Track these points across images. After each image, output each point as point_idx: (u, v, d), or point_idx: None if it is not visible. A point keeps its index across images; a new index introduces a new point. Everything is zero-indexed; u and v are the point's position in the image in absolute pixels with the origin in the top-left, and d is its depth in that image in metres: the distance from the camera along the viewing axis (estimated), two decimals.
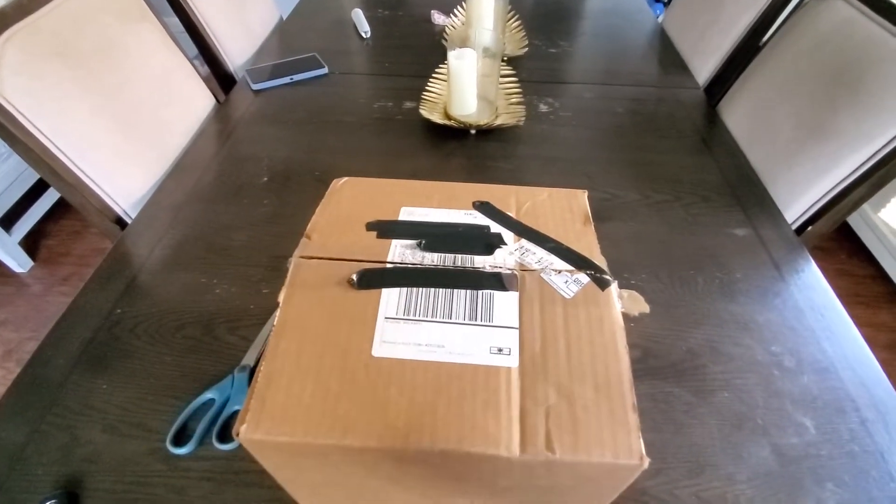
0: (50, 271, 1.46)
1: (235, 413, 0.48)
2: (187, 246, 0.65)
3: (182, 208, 0.71)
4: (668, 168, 0.79)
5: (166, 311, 0.57)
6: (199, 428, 0.46)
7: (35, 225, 1.51)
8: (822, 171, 0.71)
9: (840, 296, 0.60)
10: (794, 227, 0.74)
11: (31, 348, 1.27)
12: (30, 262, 1.48)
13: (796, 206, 0.74)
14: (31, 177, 1.49)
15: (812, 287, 0.62)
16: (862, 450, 0.47)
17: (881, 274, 1.44)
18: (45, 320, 1.33)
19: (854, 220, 1.51)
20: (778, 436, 0.48)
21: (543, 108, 0.92)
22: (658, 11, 2.24)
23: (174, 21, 0.93)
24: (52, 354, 0.53)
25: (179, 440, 0.46)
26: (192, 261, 0.63)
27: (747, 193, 0.74)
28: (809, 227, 0.74)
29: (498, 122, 0.83)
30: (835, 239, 1.55)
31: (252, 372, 0.51)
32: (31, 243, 1.52)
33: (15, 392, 0.50)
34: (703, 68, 1.04)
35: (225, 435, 0.46)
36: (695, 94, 0.97)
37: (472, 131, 0.84)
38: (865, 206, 1.45)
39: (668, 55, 1.10)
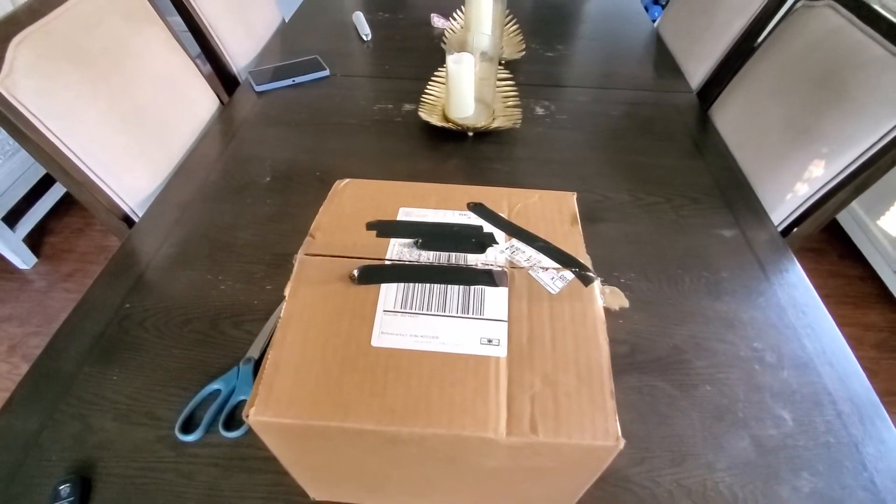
0: (53, 268, 1.49)
1: (241, 403, 0.50)
2: (193, 243, 0.67)
3: (188, 207, 0.73)
4: (660, 171, 0.81)
5: (173, 306, 0.60)
6: (206, 416, 0.48)
7: (39, 222, 1.53)
8: (807, 174, 0.74)
9: (830, 296, 0.63)
10: (780, 228, 0.77)
11: (36, 343, 1.31)
12: (34, 259, 1.50)
13: (782, 207, 0.76)
14: (35, 174, 1.51)
15: (795, 286, 0.64)
16: (837, 441, 0.50)
17: (871, 274, 1.46)
18: (49, 316, 1.35)
19: (846, 222, 1.53)
20: (757, 427, 0.51)
21: (540, 111, 0.94)
22: (656, 14, 2.27)
23: (177, 20, 0.95)
24: (64, 347, 0.56)
25: (187, 428, 0.48)
26: (197, 258, 0.65)
27: (736, 196, 0.76)
28: (795, 229, 0.76)
29: (495, 124, 0.85)
30: (826, 240, 1.57)
31: (257, 364, 0.53)
32: (34, 240, 1.54)
33: (29, 383, 0.53)
34: (697, 72, 1.06)
35: (231, 423, 0.49)
36: (688, 98, 0.99)
37: (470, 133, 0.86)
38: (857, 208, 1.47)
39: (662, 59, 1.13)
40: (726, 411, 0.52)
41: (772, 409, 0.52)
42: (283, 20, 1.32)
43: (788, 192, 0.75)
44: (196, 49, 1.01)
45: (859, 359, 0.56)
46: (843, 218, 1.54)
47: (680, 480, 0.46)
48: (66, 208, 1.64)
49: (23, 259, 1.46)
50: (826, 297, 0.63)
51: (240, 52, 1.10)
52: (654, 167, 0.82)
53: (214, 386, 0.51)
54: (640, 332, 0.58)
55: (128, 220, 0.78)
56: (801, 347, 0.58)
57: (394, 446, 0.31)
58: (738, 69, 0.94)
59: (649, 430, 0.50)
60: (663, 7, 2.37)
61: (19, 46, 0.64)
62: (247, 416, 0.29)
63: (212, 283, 0.62)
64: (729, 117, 0.91)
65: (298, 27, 1.22)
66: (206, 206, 0.73)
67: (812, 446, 0.50)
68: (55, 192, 1.56)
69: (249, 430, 0.48)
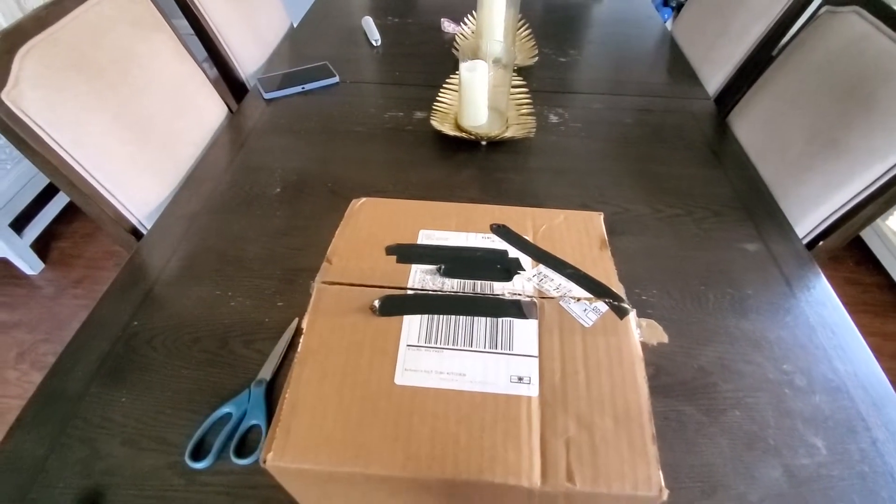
0: (62, 274, 1.48)
1: (252, 427, 0.49)
2: (201, 257, 0.66)
3: (196, 219, 0.71)
4: (679, 181, 0.79)
5: (182, 323, 0.58)
6: (217, 442, 0.47)
7: (46, 227, 1.52)
8: (833, 187, 0.71)
9: (847, 304, 0.61)
10: (804, 241, 0.74)
11: (45, 350, 1.30)
12: (41, 265, 1.49)
13: (807, 221, 0.74)
14: (43, 179, 1.50)
15: (823, 304, 0.62)
16: (872, 470, 0.48)
17: (889, 283, 1.43)
18: (57, 323, 1.35)
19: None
20: (789, 456, 0.49)
21: (553, 118, 0.92)
22: (665, 16, 2.24)
23: (183, 23, 0.93)
24: (71, 366, 0.54)
25: (197, 454, 0.47)
26: (206, 273, 0.64)
27: (758, 208, 0.74)
28: (820, 242, 0.74)
29: (509, 133, 0.83)
30: (843, 247, 1.54)
31: (269, 386, 0.52)
32: (42, 246, 1.53)
33: (35, 404, 0.51)
34: (713, 78, 1.04)
35: (242, 450, 0.47)
36: (705, 105, 0.97)
37: (483, 143, 0.84)
38: None
39: (677, 64, 1.10)
40: (757, 438, 0.49)
41: (804, 437, 0.50)
42: (292, 25, 1.30)
43: (813, 205, 0.73)
44: (202, 53, 1.00)
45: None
46: None
47: None
48: (73, 214, 1.63)
49: (30, 265, 1.46)
50: (843, 306, 0.61)
51: (248, 58, 1.08)
52: (673, 177, 0.80)
53: (225, 409, 0.49)
54: (665, 353, 0.56)
55: (135, 233, 0.77)
56: (833, 370, 0.55)
57: (418, 492, 0.29)
58: (758, 76, 0.92)
59: (677, 458, 0.48)
60: (673, 9, 2.34)
61: (25, 57, 0.62)
62: (264, 462, 0.27)
63: (221, 300, 0.61)
64: (748, 126, 0.88)
65: (307, 33, 1.21)
66: (214, 218, 0.72)
67: (847, 476, 0.47)
68: (63, 198, 1.56)
69: None
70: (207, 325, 0.58)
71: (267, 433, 0.47)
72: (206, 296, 0.61)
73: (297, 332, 0.57)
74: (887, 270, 1.43)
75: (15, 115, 0.60)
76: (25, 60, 0.62)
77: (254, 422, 0.49)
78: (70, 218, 1.62)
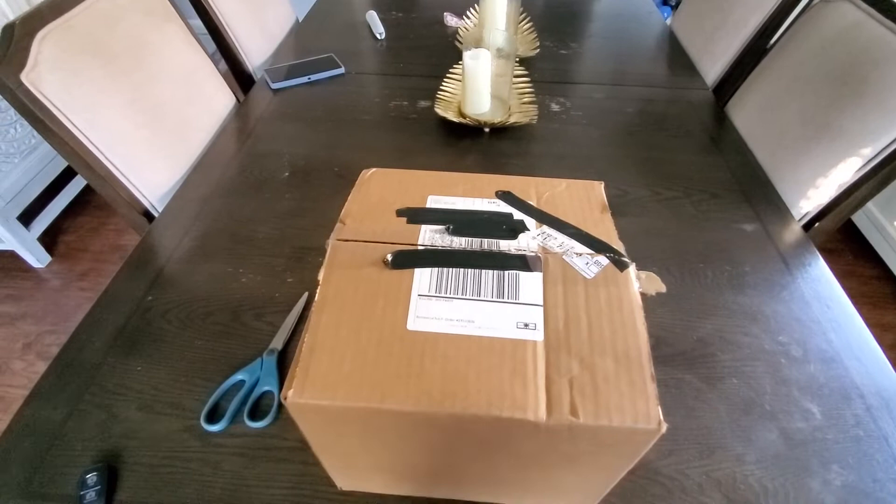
0: (68, 267, 1.50)
1: (265, 393, 0.50)
2: (213, 237, 0.68)
3: (207, 202, 0.73)
4: (678, 166, 0.80)
5: (195, 298, 0.60)
6: (231, 407, 0.48)
7: (53, 221, 1.54)
8: (828, 169, 0.73)
9: (847, 296, 0.62)
10: (800, 223, 0.76)
11: (51, 341, 1.31)
12: (48, 258, 1.51)
13: (803, 203, 0.76)
14: (50, 173, 1.52)
15: (818, 280, 0.63)
16: (867, 434, 0.49)
17: (888, 274, 1.45)
18: (63, 314, 1.36)
19: (861, 221, 1.52)
20: (785, 420, 0.50)
21: (555, 107, 0.94)
22: (665, 15, 2.26)
23: (197, 23, 0.96)
24: (88, 339, 0.56)
25: (212, 418, 0.48)
26: (218, 251, 0.66)
27: (755, 190, 0.76)
28: (816, 224, 0.76)
29: (511, 120, 0.85)
30: (841, 239, 1.56)
31: (280, 355, 0.53)
32: (49, 239, 1.55)
33: (53, 373, 0.53)
34: (712, 69, 1.06)
35: (256, 413, 0.49)
36: (703, 95, 0.99)
37: (486, 129, 0.86)
38: (872, 207, 1.46)
39: (676, 56, 1.12)
40: (753, 404, 0.51)
41: (799, 403, 0.51)
42: (297, 19, 1.32)
43: (809, 188, 0.75)
44: (211, 47, 1.02)
45: None
46: (857, 217, 1.53)
47: (709, 472, 0.46)
48: (80, 208, 1.65)
49: (37, 258, 1.48)
50: (837, 281, 0.63)
51: (255, 50, 1.11)
52: (672, 162, 0.81)
53: (238, 377, 0.51)
54: (665, 326, 0.58)
55: (148, 216, 0.78)
56: (827, 342, 0.57)
57: (430, 430, 0.31)
58: (755, 66, 0.94)
59: (677, 422, 0.49)
60: (672, 8, 2.37)
61: (44, 41, 0.64)
62: (285, 398, 0.29)
63: (233, 276, 0.62)
64: (746, 114, 0.90)
65: (312, 26, 1.23)
66: (225, 201, 0.73)
67: (842, 440, 0.49)
68: (70, 192, 1.58)
69: (275, 420, 0.48)
70: (219, 299, 0.60)
71: (279, 397, 0.49)
72: (218, 273, 0.63)
73: (307, 305, 0.58)
74: (885, 262, 1.44)
75: (34, 95, 0.62)
76: (44, 44, 0.64)
77: (266, 388, 0.50)
78: (77, 212, 1.64)
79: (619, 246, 0.36)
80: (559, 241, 0.37)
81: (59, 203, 1.54)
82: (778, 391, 0.52)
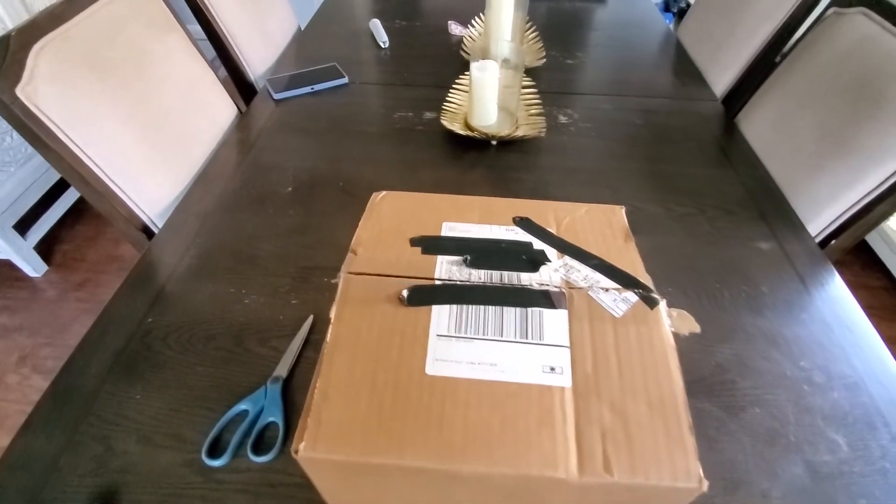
0: (64, 276, 1.47)
1: (269, 424, 0.48)
2: (214, 255, 0.66)
3: (208, 217, 0.71)
4: (690, 180, 0.79)
5: (196, 321, 0.58)
6: (234, 439, 0.46)
7: (50, 230, 1.52)
8: (844, 186, 0.71)
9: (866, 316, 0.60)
10: (816, 240, 0.74)
11: (46, 354, 1.29)
12: (44, 267, 1.49)
13: (818, 220, 0.74)
14: (47, 182, 1.50)
15: (838, 301, 0.62)
16: (893, 466, 0.47)
17: (895, 286, 1.43)
18: (60, 326, 1.34)
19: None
20: (811, 452, 0.48)
21: (563, 119, 0.92)
22: (667, 21, 2.25)
23: (196, 28, 0.94)
24: (84, 363, 0.54)
25: (214, 452, 0.46)
26: (219, 270, 0.64)
27: (770, 207, 0.74)
28: (832, 241, 0.74)
29: (519, 132, 0.84)
30: (848, 251, 1.54)
31: (285, 383, 0.51)
32: (45, 248, 1.53)
33: (48, 401, 0.51)
34: (720, 80, 1.04)
35: (260, 447, 0.47)
36: (713, 106, 0.97)
37: (494, 142, 0.84)
38: None
39: (683, 66, 1.11)
40: (777, 435, 0.49)
41: (825, 433, 0.50)
42: (299, 28, 1.31)
43: (825, 204, 0.73)
44: (210, 53, 1.00)
45: None
46: None
47: None
48: (77, 217, 1.63)
49: (34, 267, 1.45)
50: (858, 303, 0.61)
51: (257, 59, 1.09)
52: (683, 176, 0.80)
53: (242, 406, 0.49)
54: (682, 350, 0.55)
55: (147, 231, 0.76)
56: (850, 367, 0.55)
57: (452, 484, 0.29)
58: (766, 77, 0.92)
59: (699, 454, 0.47)
60: (674, 14, 2.36)
61: (40, 53, 0.62)
62: (295, 452, 0.27)
63: (235, 297, 0.60)
64: (757, 126, 0.89)
65: (314, 34, 1.21)
66: (227, 217, 0.71)
67: (868, 472, 0.47)
68: (66, 200, 1.56)
69: (279, 454, 0.46)
70: (222, 322, 0.58)
71: (284, 429, 0.47)
72: (220, 293, 0.61)
73: (313, 329, 0.56)
74: (893, 274, 1.43)
75: (29, 110, 0.60)
76: (40, 56, 0.62)
77: (271, 419, 0.48)
78: (73, 221, 1.62)
79: (646, 279, 0.35)
80: (583, 274, 0.35)
81: (55, 212, 1.52)
82: (802, 420, 0.50)
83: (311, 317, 0.58)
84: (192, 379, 0.52)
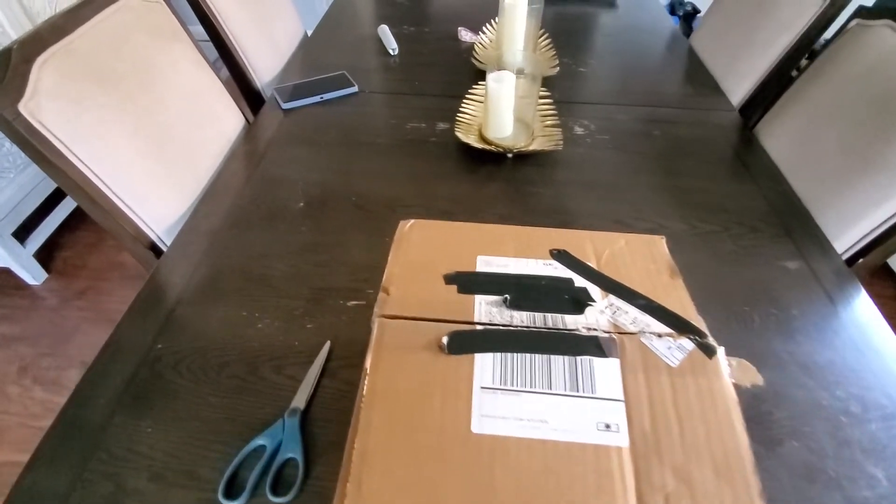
0: (65, 284, 1.44)
1: (288, 461, 0.46)
2: (225, 276, 0.63)
3: (217, 235, 0.69)
4: (712, 195, 0.77)
5: (208, 346, 0.55)
6: (251, 478, 0.44)
7: (50, 237, 1.49)
8: (873, 203, 0.69)
9: None
10: (843, 258, 0.73)
11: (48, 364, 1.26)
12: (44, 275, 1.46)
13: (845, 238, 0.72)
14: (46, 188, 1.47)
15: (869, 325, 0.60)
16: None
17: None
18: (61, 336, 1.31)
19: None
20: (851, 488, 0.46)
21: (579, 130, 0.90)
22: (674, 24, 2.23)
23: (198, 30, 0.91)
24: (93, 394, 0.51)
25: (230, 491, 0.44)
26: (230, 292, 0.61)
27: (795, 223, 0.72)
28: (860, 260, 0.72)
29: (535, 145, 0.82)
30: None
31: (303, 416, 0.49)
32: (45, 255, 1.50)
33: (55, 435, 0.48)
34: (737, 90, 1.02)
35: (278, 486, 0.44)
36: (730, 117, 0.95)
37: (510, 155, 0.82)
38: None
39: (698, 75, 1.09)
40: (816, 470, 0.47)
41: (864, 468, 0.48)
42: (306, 34, 1.28)
43: (852, 222, 0.71)
44: (213, 55, 0.97)
45: None
46: None
47: None
48: (77, 222, 1.60)
49: (33, 275, 1.42)
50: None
51: (263, 66, 1.06)
52: (705, 191, 0.78)
53: (259, 441, 0.47)
54: None
55: (155, 249, 0.74)
56: (886, 395, 0.53)
57: None
58: (784, 88, 0.90)
59: None
60: (680, 18, 2.34)
61: (43, 67, 0.60)
62: None
63: (248, 321, 0.58)
64: (778, 139, 0.87)
65: (322, 41, 1.19)
66: (236, 234, 0.69)
67: None
68: (66, 207, 1.53)
69: (299, 494, 0.44)
70: (235, 348, 0.55)
71: (304, 467, 0.45)
72: (232, 317, 0.58)
73: (330, 356, 0.54)
74: None
75: (33, 126, 0.58)
76: (43, 70, 0.59)
77: (289, 455, 0.46)
78: (74, 227, 1.59)
79: (699, 322, 0.33)
80: (632, 317, 0.33)
81: (55, 218, 1.49)
82: (840, 454, 0.48)
83: (327, 343, 0.55)
84: (205, 410, 0.50)
